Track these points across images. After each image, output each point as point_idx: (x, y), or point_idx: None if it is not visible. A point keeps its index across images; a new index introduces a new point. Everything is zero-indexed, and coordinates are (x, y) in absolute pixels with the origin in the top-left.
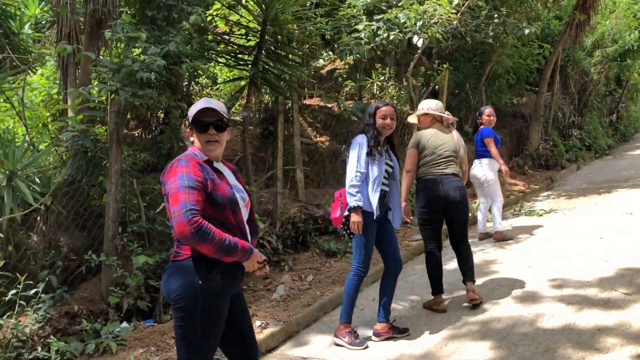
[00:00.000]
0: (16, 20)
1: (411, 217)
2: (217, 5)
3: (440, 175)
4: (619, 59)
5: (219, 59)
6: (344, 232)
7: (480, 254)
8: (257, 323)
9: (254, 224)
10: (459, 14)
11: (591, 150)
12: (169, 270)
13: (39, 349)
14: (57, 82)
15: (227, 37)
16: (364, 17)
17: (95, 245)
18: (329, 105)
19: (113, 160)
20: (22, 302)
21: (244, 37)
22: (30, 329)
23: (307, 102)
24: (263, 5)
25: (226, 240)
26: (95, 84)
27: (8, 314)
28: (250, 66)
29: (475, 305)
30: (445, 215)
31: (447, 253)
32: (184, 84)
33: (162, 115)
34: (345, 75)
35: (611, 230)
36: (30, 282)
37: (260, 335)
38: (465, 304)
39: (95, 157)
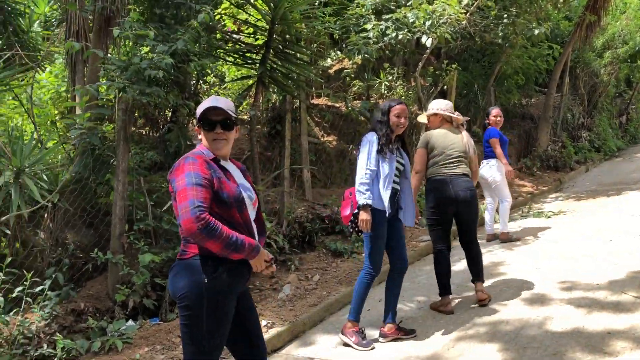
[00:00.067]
0: (25, 18)
1: (419, 217)
2: (226, 4)
3: (450, 175)
4: (629, 60)
5: (227, 58)
6: (351, 230)
7: (488, 255)
8: (263, 322)
9: (261, 223)
10: (468, 14)
11: (600, 152)
12: (176, 269)
13: (45, 346)
14: (66, 79)
15: (235, 36)
16: (372, 17)
17: (102, 243)
18: (337, 105)
19: (120, 158)
20: (28, 299)
21: (252, 35)
22: (37, 326)
23: (315, 101)
24: (271, 4)
25: (233, 237)
26: (103, 81)
27: (14, 310)
28: (258, 65)
29: (484, 305)
30: (455, 215)
31: (454, 254)
32: (192, 82)
33: (170, 113)
34: (353, 75)
35: (620, 233)
36: (37, 279)
37: (266, 335)
38: (474, 305)
39: (103, 154)
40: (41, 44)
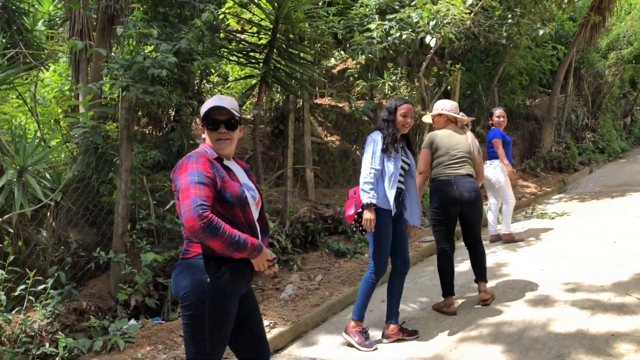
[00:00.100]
0: (30, 17)
1: (422, 218)
2: (230, 3)
3: (454, 176)
4: (634, 61)
5: (231, 57)
6: (354, 229)
7: (492, 256)
8: (265, 322)
9: (264, 223)
10: (472, 14)
11: (604, 153)
12: (178, 268)
13: (47, 344)
14: (70, 78)
15: (239, 35)
16: (376, 17)
17: (105, 242)
18: (340, 105)
19: (123, 157)
20: (30, 297)
21: (255, 35)
22: (39, 325)
23: (318, 101)
24: (275, 4)
25: (235, 236)
26: (106, 80)
27: (17, 309)
28: (261, 64)
29: (486, 305)
30: (459, 216)
31: (458, 255)
32: (195, 81)
33: (173, 112)
34: (356, 75)
35: (624, 234)
36: (39, 277)
37: (268, 335)
38: (477, 306)
39: (106, 153)
40: (45, 43)
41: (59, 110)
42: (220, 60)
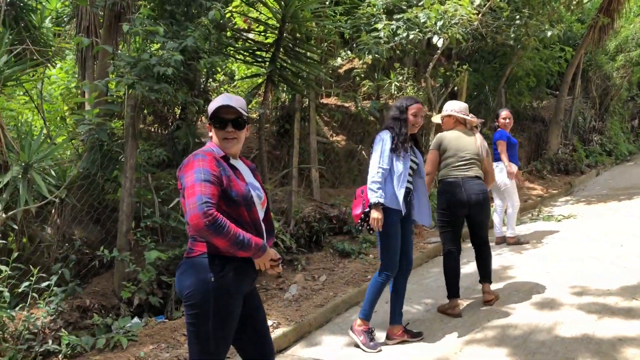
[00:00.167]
0: (37, 14)
1: None
2: (237, 2)
3: (462, 178)
4: None
5: (237, 56)
6: (361, 228)
7: (498, 258)
8: (269, 322)
9: (270, 223)
10: (480, 15)
11: (612, 155)
12: (182, 267)
13: (50, 342)
14: (76, 76)
15: (246, 34)
16: (383, 16)
17: (109, 239)
18: (346, 105)
19: (128, 154)
20: (34, 294)
21: (262, 33)
22: (42, 322)
23: (324, 100)
24: (282, 3)
25: (240, 235)
26: (112, 77)
27: (20, 305)
28: (267, 63)
29: (489, 304)
30: (467, 217)
31: (464, 256)
32: (201, 79)
33: (179, 110)
34: (363, 75)
35: (632, 237)
36: (43, 274)
37: (271, 335)
38: (483, 308)
39: (111, 151)
40: (52, 40)
41: (65, 108)
42: (227, 59)
